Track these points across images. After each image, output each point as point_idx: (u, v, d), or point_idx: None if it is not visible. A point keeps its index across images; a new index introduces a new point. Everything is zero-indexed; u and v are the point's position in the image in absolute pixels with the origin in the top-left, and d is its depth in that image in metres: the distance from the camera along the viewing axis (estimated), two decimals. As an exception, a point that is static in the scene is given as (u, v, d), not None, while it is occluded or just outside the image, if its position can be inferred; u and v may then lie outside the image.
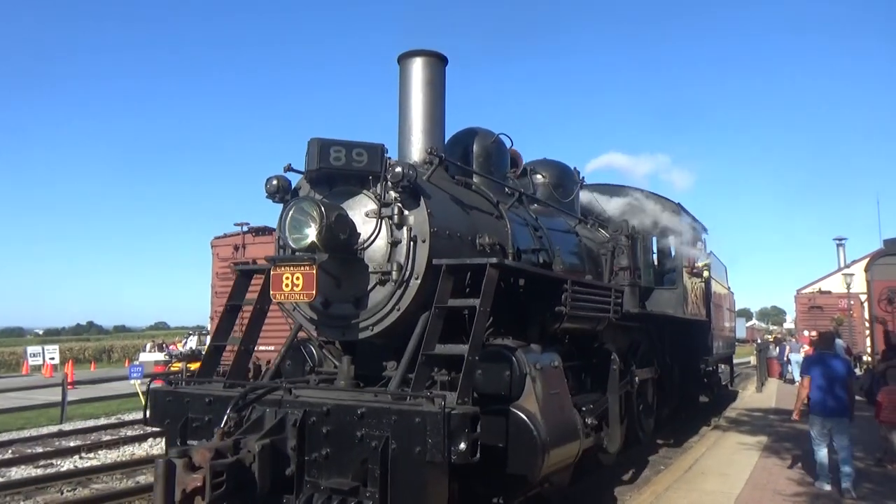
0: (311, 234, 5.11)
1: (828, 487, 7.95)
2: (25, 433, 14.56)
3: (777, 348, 27.42)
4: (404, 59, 6.69)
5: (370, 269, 5.49)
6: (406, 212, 5.46)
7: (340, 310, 5.65)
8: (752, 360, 32.61)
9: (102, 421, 16.53)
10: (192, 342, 33.25)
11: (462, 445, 4.24)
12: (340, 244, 5.31)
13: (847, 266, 37.56)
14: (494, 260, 5.23)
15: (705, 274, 12.97)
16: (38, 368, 36.38)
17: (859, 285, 25.61)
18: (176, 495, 4.19)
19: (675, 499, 7.63)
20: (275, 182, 5.75)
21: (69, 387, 18.59)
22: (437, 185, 5.96)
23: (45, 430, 14.88)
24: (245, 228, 16.41)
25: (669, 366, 11.66)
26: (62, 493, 9.41)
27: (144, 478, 10.02)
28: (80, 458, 11.90)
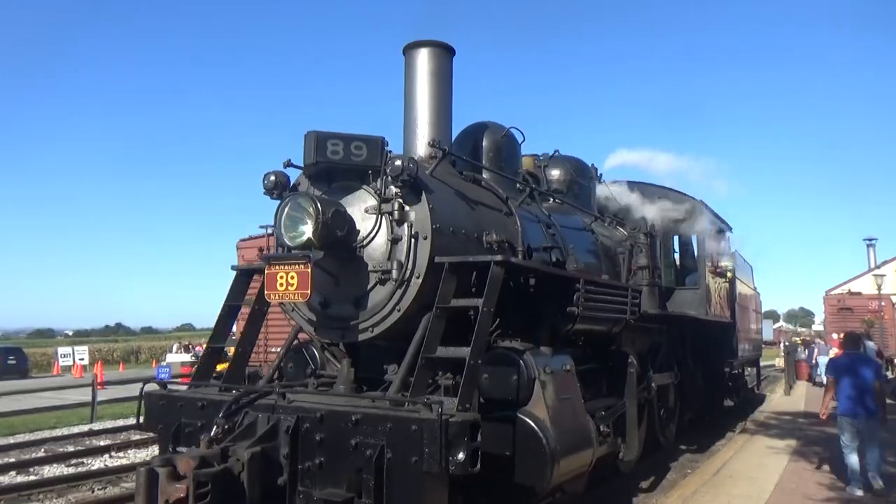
0: (307, 230, 4.87)
1: (859, 493, 7.70)
2: (57, 432, 14.75)
3: (806, 350, 26.79)
4: (410, 49, 6.45)
5: (370, 268, 5.24)
6: (407, 207, 5.19)
7: (340, 310, 5.40)
8: (778, 362, 31.94)
9: (132, 420, 16.52)
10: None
11: (461, 455, 3.96)
12: (338, 242, 5.06)
13: (877, 267, 36.63)
14: (499, 257, 4.95)
15: (729, 274, 12.53)
16: (68, 369, 37.02)
17: (890, 286, 24.91)
18: (159, 506, 3.97)
19: (703, 503, 7.40)
20: (272, 178, 5.51)
21: (99, 387, 18.68)
22: (441, 179, 5.69)
23: (76, 430, 15.01)
24: (270, 230, 16.37)
25: (692, 369, 11.26)
26: (93, 492, 9.41)
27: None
28: (111, 457, 11.94)
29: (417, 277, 5.12)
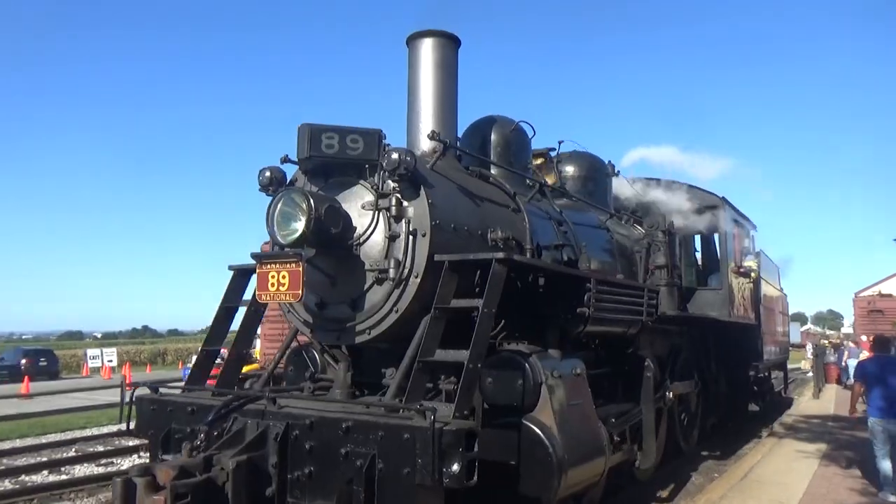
0: (300, 227, 4.63)
1: (892, 498, 7.49)
2: (87, 432, 14.89)
3: (836, 353, 26.10)
4: (413, 40, 6.20)
5: (366, 267, 4.99)
6: (405, 203, 4.93)
7: (336, 312, 5.16)
8: (804, 365, 31.21)
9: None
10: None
11: (455, 467, 3.69)
12: (333, 239, 4.82)
13: (910, 267, 35.64)
14: (501, 255, 4.67)
15: (753, 274, 12.07)
16: (96, 370, 37.70)
17: (924, 287, 24.14)
18: (136, 518, 3.75)
19: (731, 508, 7.14)
20: (268, 174, 5.30)
21: (128, 388, 18.78)
22: (443, 174, 5.42)
23: (105, 430, 15.11)
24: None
25: (715, 373, 10.86)
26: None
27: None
28: (139, 456, 11.88)
29: (416, 277, 4.86)
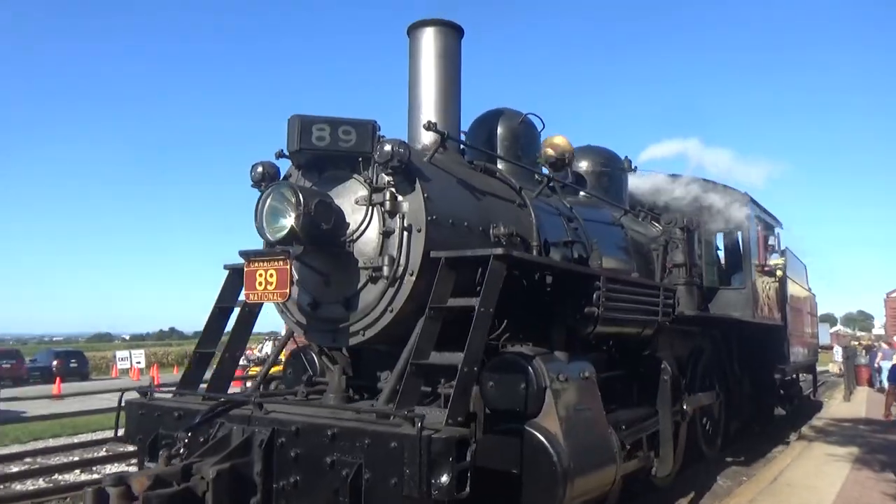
0: (289, 223, 4.40)
1: None
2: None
3: (867, 355, 25.38)
4: (414, 29, 5.97)
5: (360, 265, 4.74)
6: (400, 197, 4.68)
7: (329, 312, 4.93)
8: (832, 367, 30.42)
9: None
10: (268, 347, 33.91)
11: (444, 478, 3.42)
12: (324, 236, 4.58)
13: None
14: (499, 250, 4.39)
15: (779, 273, 11.63)
16: (125, 372, 38.19)
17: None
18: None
19: (760, 512, 6.87)
20: (260, 169, 5.08)
21: (157, 389, 18.81)
22: (442, 167, 5.16)
23: None
24: None
25: (739, 376, 10.44)
26: (154, 490, 9.45)
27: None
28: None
29: (411, 275, 4.60)
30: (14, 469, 10.84)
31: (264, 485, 4.01)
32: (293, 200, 4.40)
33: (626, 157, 9.13)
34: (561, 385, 4.73)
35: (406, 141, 4.75)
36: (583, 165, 8.22)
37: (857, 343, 27.19)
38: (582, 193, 7.75)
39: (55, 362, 35.90)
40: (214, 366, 5.42)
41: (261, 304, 5.34)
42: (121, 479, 3.65)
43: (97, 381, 34.99)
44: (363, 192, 4.81)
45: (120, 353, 41.88)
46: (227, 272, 5.66)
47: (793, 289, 13.02)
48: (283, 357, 6.29)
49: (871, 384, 23.52)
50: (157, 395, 5.19)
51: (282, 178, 5.19)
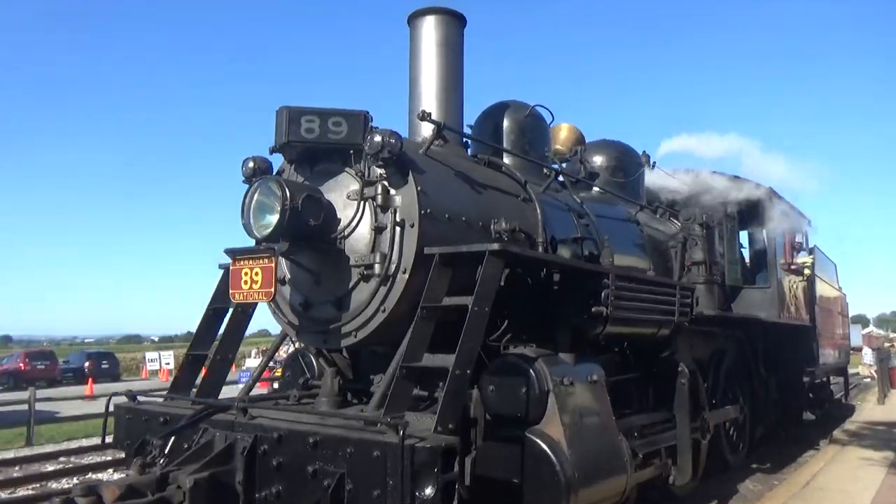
0: (275, 220, 4.19)
1: None
2: None
3: (904, 357, 24.61)
4: (415, 18, 5.74)
5: (351, 262, 4.51)
6: (392, 191, 4.45)
7: (321, 312, 4.70)
8: (861, 370, 29.57)
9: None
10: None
11: (428, 490, 3.17)
12: (313, 232, 4.36)
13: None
14: (496, 246, 4.13)
15: (807, 271, 11.18)
16: (155, 373, 38.72)
17: None
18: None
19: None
20: (251, 164, 4.86)
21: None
22: (439, 159, 4.91)
23: None
24: None
25: (765, 378, 10.02)
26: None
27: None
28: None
29: (404, 272, 4.36)
30: (49, 468, 10.85)
31: (246, 494, 3.80)
32: (279, 194, 4.19)
33: (644, 151, 8.82)
34: (565, 389, 4.47)
35: (406, 134, 4.53)
36: (597, 160, 7.90)
37: (889, 345, 26.35)
38: (595, 189, 7.46)
39: (87, 364, 36.72)
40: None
41: (254, 305, 5.15)
42: (91, 489, 3.46)
43: (128, 381, 35.23)
44: (355, 186, 4.58)
45: (150, 355, 42.69)
46: (221, 272, 5.46)
47: (822, 288, 12.53)
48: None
49: (906, 387, 22.79)
50: (144, 399, 4.99)
51: (275, 173, 4.99)
